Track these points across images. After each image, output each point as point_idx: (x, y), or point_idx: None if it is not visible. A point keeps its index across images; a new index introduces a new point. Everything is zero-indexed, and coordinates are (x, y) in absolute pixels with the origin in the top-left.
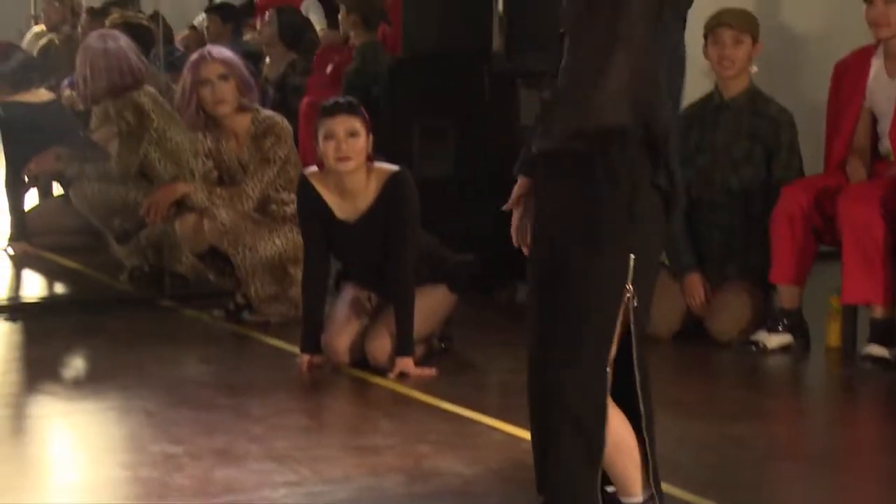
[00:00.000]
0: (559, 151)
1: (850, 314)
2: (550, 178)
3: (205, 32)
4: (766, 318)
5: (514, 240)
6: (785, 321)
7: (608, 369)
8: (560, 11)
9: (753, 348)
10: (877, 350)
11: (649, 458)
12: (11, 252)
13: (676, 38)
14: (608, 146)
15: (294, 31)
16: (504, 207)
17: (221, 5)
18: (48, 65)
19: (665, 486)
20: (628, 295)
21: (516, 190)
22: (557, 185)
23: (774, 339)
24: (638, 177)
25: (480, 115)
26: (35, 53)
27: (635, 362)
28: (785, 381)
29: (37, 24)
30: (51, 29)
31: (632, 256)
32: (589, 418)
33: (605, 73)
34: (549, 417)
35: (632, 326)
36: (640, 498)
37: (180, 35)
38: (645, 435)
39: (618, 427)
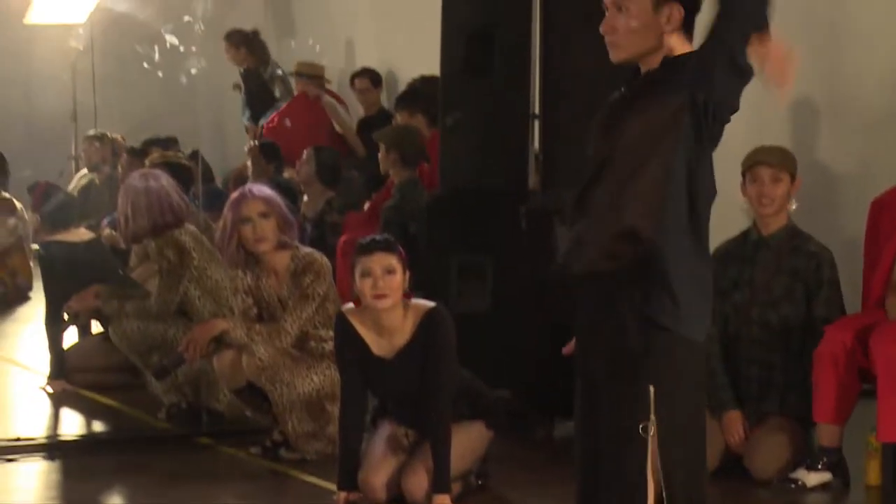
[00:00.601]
0: (588, 275)
1: (889, 452)
2: (584, 308)
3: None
4: (806, 455)
5: None
6: (825, 459)
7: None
8: (594, 143)
9: (793, 486)
10: None
11: None
12: (50, 390)
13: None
14: (625, 282)
15: (331, 170)
16: (564, 351)
17: (265, 144)
18: (88, 204)
19: None
20: (652, 426)
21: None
22: (589, 318)
23: (814, 478)
24: (649, 311)
25: (517, 252)
26: (75, 193)
27: (664, 495)
28: None
29: (77, 165)
30: (91, 169)
31: (651, 388)
32: None
33: (623, 209)
34: None
35: (658, 459)
36: None
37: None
38: None
39: None
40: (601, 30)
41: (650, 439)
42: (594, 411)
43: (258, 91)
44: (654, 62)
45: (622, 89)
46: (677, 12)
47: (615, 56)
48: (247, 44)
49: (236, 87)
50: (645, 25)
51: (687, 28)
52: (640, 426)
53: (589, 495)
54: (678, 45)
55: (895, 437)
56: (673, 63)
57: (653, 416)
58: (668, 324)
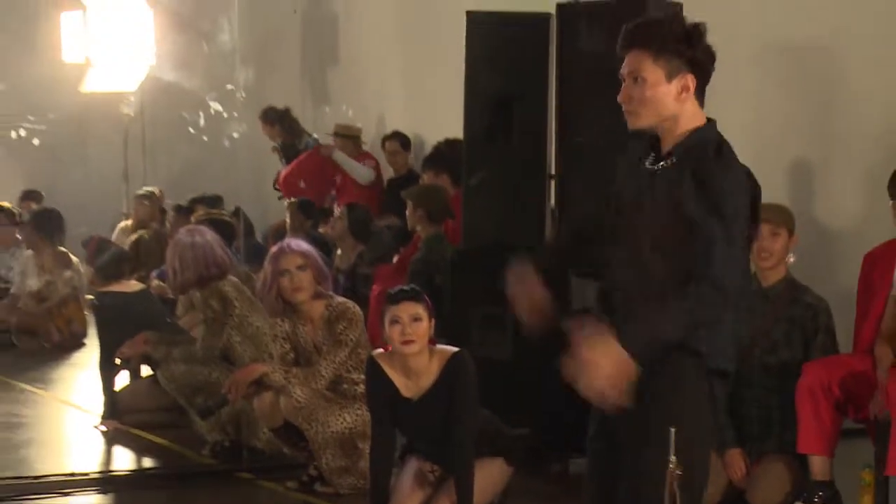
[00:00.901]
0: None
1: (882, 487)
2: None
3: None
4: (803, 490)
5: None
6: (820, 493)
7: None
8: (619, 213)
9: None
10: None
11: None
12: (104, 429)
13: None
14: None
15: (362, 226)
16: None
17: (302, 202)
18: (139, 258)
19: None
20: (671, 466)
21: None
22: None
23: None
24: (684, 372)
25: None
26: (126, 247)
27: None
28: None
29: (126, 220)
30: (140, 226)
31: (672, 430)
32: None
33: (676, 298)
34: None
35: (676, 497)
36: None
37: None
38: None
39: None
40: (619, 99)
41: (670, 475)
42: (614, 450)
43: (295, 158)
44: (671, 129)
45: (648, 159)
46: (690, 82)
47: (633, 124)
48: (280, 121)
49: (275, 149)
50: (660, 94)
51: (699, 95)
52: (672, 461)
53: None
54: (692, 112)
55: None
56: (700, 137)
57: (672, 457)
58: (729, 368)
